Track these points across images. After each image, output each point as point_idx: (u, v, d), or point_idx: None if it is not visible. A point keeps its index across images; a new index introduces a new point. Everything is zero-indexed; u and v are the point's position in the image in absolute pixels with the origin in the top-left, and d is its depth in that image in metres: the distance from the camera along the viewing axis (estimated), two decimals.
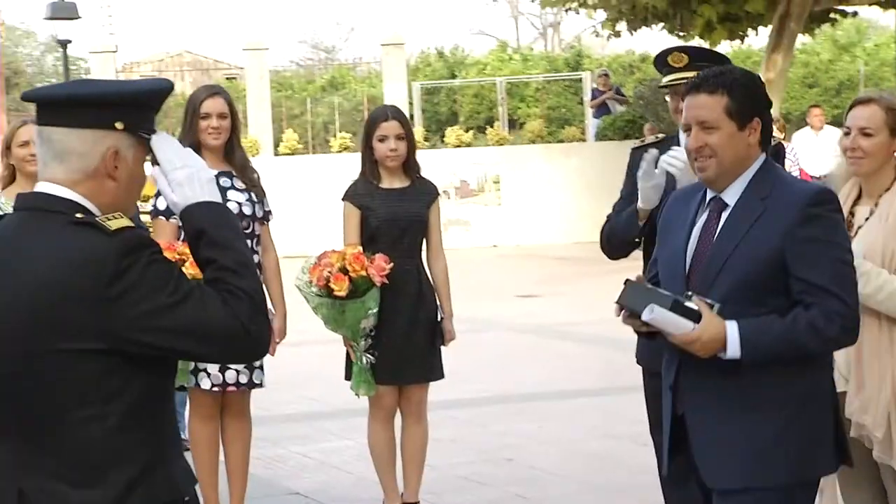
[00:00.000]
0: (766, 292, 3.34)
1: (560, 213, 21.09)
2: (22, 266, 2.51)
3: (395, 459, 6.04)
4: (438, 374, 5.97)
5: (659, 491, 5.00)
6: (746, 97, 3.42)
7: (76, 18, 20.81)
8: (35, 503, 2.52)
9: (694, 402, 3.45)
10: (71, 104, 2.57)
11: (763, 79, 16.01)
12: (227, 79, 30.90)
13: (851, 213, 4.41)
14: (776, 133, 16.46)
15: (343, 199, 5.92)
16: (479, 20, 74.62)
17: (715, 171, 3.41)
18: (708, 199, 3.50)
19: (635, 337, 4.68)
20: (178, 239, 5.45)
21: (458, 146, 21.62)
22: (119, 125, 2.57)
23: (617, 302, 3.48)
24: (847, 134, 4.37)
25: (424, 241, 6.00)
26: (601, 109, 22.51)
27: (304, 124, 25.22)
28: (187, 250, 5.29)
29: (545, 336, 12.08)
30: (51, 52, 45.16)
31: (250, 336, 2.53)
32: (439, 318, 5.95)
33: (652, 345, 4.82)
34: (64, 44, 21.06)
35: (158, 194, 5.37)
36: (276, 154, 21.99)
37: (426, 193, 5.98)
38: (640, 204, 4.63)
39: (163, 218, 5.61)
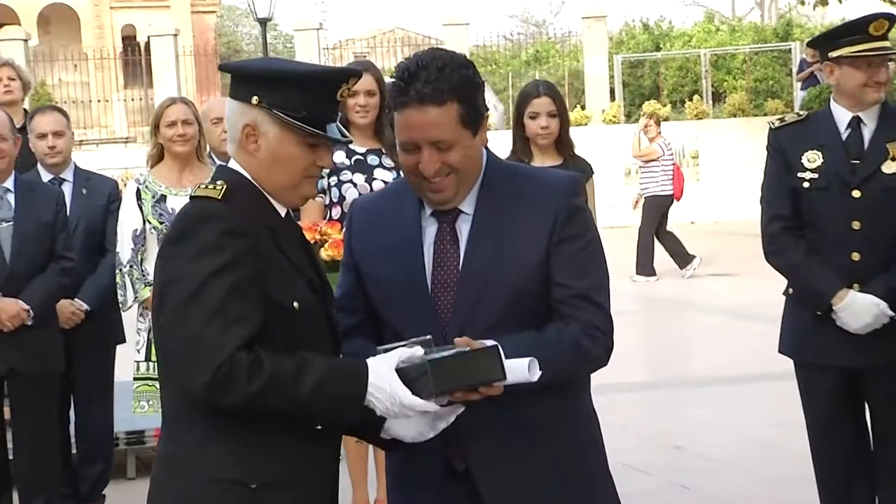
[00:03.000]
0: (540, 304, 2.82)
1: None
2: None
3: None
4: None
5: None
6: (472, 94, 2.84)
7: None
8: (163, 458, 2.73)
9: (481, 454, 2.86)
10: (230, 75, 2.74)
11: None
12: None
13: None
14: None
15: None
16: None
17: (454, 189, 2.85)
18: (430, 208, 2.92)
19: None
20: (324, 218, 5.41)
21: None
22: (254, 100, 2.65)
23: (437, 390, 2.63)
24: None
25: None
26: (810, 81, 21.59)
27: (506, 100, 25.12)
28: (330, 230, 5.26)
29: (733, 317, 11.68)
30: (269, 30, 46.40)
31: (214, 380, 2.48)
32: None
33: (809, 334, 4.58)
34: (263, 21, 21.45)
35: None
36: None
37: (579, 171, 5.77)
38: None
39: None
